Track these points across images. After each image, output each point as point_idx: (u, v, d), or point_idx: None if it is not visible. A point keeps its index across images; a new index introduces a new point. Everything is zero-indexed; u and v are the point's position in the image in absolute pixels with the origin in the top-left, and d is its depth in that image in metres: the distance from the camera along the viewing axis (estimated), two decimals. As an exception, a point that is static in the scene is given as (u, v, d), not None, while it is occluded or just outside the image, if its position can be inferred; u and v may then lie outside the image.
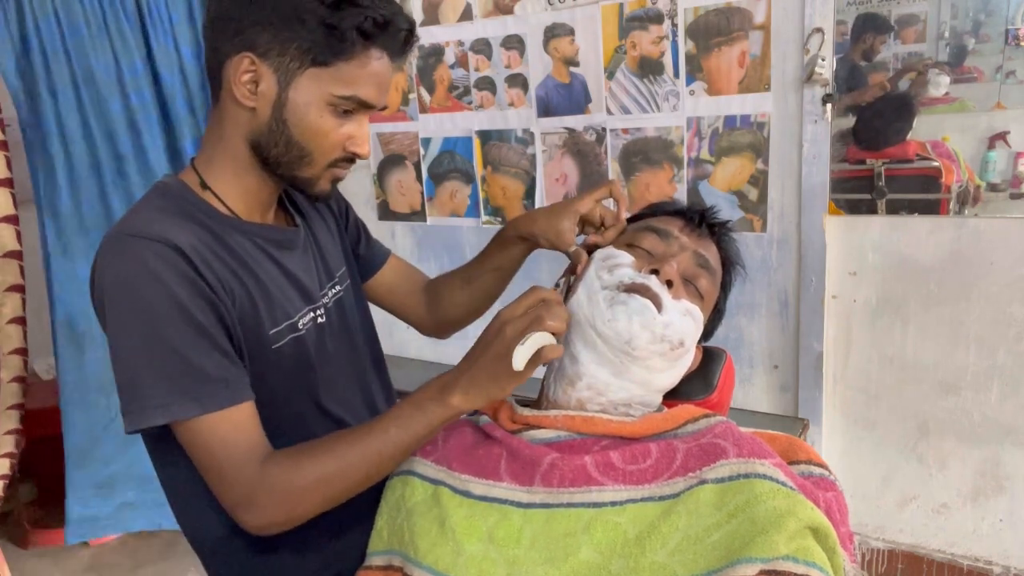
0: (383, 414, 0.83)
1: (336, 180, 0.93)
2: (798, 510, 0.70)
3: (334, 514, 0.84)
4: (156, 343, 0.78)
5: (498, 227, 1.46)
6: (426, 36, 2.31)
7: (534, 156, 2.23)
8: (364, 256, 1.17)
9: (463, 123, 2.34)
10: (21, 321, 1.85)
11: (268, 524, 0.81)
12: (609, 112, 2.06)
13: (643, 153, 2.04)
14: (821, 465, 0.87)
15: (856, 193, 1.81)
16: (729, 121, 1.89)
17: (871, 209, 1.80)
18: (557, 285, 0.95)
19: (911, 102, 1.73)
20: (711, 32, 1.85)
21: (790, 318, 1.92)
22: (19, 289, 1.83)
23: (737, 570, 0.66)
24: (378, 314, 1.17)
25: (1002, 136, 1.67)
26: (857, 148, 1.81)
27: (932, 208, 1.76)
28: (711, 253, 0.95)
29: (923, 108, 1.73)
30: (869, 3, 1.73)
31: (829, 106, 1.75)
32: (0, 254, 1.79)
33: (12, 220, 1.81)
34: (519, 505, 0.80)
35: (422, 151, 2.44)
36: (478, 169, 2.34)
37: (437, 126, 2.39)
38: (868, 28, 1.74)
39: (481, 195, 2.36)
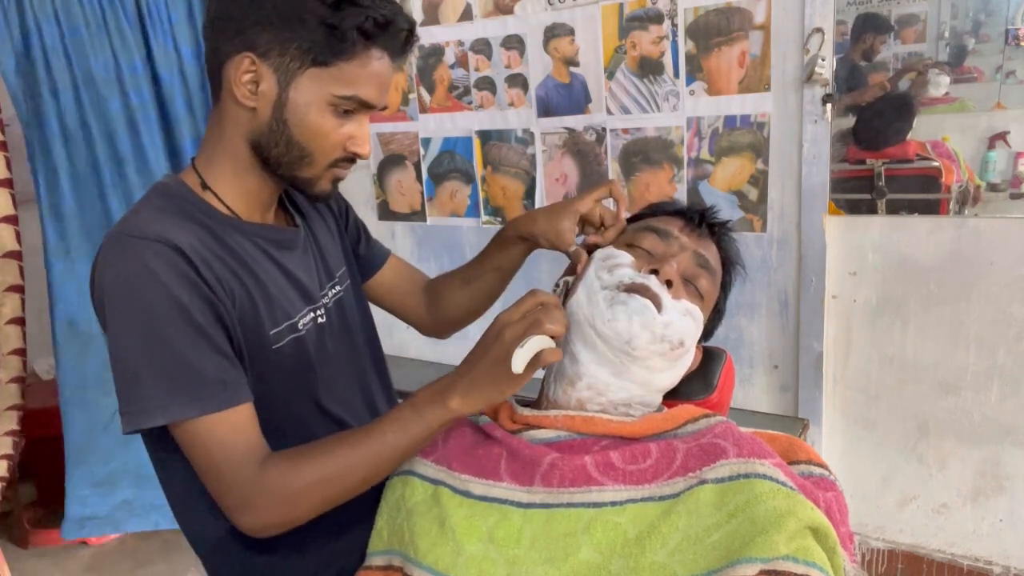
0: (381, 417, 0.83)
1: (337, 180, 0.92)
2: (798, 510, 0.70)
3: (334, 514, 0.84)
4: (156, 344, 0.78)
5: (498, 227, 1.46)
6: (426, 36, 2.31)
7: (534, 156, 2.23)
8: (364, 256, 1.17)
9: (463, 123, 2.33)
10: (20, 322, 1.85)
11: (264, 526, 0.81)
12: (609, 112, 2.06)
13: (643, 153, 2.04)
14: (821, 465, 0.87)
15: (856, 193, 1.81)
16: (729, 121, 1.89)
17: (871, 209, 1.80)
18: (557, 285, 0.95)
19: (911, 102, 1.73)
20: (711, 32, 1.85)
21: (790, 318, 1.92)
22: (18, 289, 1.83)
23: (737, 570, 0.66)
24: (378, 314, 1.17)
25: (1002, 136, 1.67)
26: (857, 148, 1.81)
27: (932, 208, 1.76)
28: (711, 253, 0.95)
29: (923, 108, 1.73)
30: (869, 3, 1.73)
31: (829, 106, 1.75)
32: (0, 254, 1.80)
33: (12, 220, 1.81)
34: (519, 505, 0.80)
35: (422, 151, 2.44)
36: (478, 169, 2.34)
37: (437, 126, 2.39)
38: (868, 28, 1.74)
39: (481, 195, 2.36)
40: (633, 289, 0.84)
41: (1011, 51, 1.62)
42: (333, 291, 1.03)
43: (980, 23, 1.65)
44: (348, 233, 1.14)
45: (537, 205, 2.26)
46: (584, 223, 1.01)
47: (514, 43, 2.16)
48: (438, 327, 1.24)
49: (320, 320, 0.97)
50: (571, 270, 0.97)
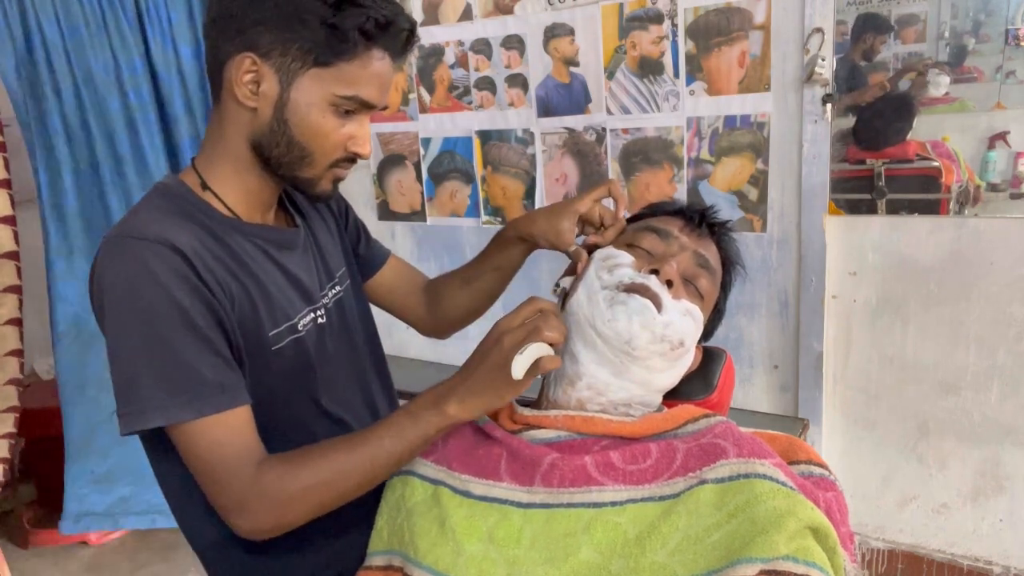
0: (378, 422, 0.83)
1: (337, 180, 0.92)
2: (798, 510, 0.70)
3: (334, 514, 0.84)
4: (155, 345, 0.78)
5: (498, 227, 1.47)
6: (426, 36, 2.31)
7: (534, 156, 2.23)
8: (364, 256, 1.17)
9: (463, 123, 2.33)
10: (17, 322, 1.84)
11: (260, 529, 0.81)
12: (609, 112, 2.06)
13: (643, 153, 2.04)
14: (821, 465, 0.87)
15: (856, 193, 1.81)
16: (729, 121, 1.89)
17: (871, 209, 1.80)
18: (557, 285, 0.95)
19: (911, 102, 1.73)
20: (711, 32, 1.85)
21: (790, 318, 1.92)
22: (16, 290, 1.83)
23: (737, 570, 0.66)
24: (378, 314, 1.17)
25: (1002, 136, 1.67)
26: (857, 148, 1.81)
27: (932, 208, 1.76)
28: (711, 253, 0.95)
29: (923, 108, 1.73)
30: (869, 3, 1.73)
31: (829, 106, 1.75)
32: (-2, 255, 1.80)
33: (10, 221, 1.81)
34: (519, 505, 0.80)
35: (422, 151, 2.44)
36: (478, 169, 2.34)
37: (437, 126, 2.39)
38: (868, 28, 1.74)
39: (481, 195, 2.36)
40: (633, 289, 0.84)
41: (1011, 51, 1.62)
42: (333, 291, 1.03)
43: (980, 23, 1.65)
44: (348, 233, 1.14)
45: (537, 205, 2.26)
46: (584, 223, 1.01)
47: (514, 43, 2.16)
48: (438, 327, 1.24)
49: (320, 320, 0.97)
50: (571, 270, 0.96)
